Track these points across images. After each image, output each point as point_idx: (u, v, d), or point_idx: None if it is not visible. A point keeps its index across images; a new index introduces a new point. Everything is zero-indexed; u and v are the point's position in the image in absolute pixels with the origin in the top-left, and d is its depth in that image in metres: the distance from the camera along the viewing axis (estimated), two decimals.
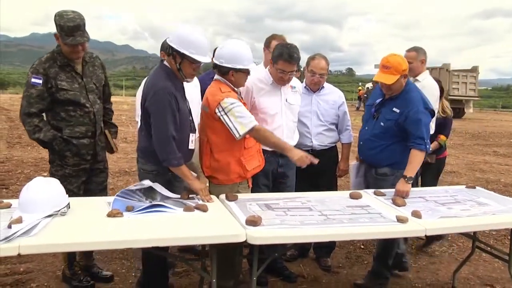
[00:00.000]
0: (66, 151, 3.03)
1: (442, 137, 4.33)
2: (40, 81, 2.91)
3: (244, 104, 2.89)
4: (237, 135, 2.80)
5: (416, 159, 3.11)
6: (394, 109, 3.16)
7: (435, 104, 3.78)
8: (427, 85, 3.86)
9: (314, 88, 3.67)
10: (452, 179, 7.67)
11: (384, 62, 3.15)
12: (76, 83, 3.03)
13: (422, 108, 3.10)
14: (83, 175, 3.13)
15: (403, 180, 3.07)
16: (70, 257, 3.15)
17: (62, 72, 2.99)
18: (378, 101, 3.34)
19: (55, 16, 2.90)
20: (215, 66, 2.92)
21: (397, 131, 3.17)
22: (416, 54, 4.00)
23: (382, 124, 3.24)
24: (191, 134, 2.88)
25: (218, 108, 2.79)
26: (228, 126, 2.80)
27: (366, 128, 3.41)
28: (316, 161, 2.88)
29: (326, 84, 3.74)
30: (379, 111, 3.30)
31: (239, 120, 2.77)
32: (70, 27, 2.84)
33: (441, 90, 4.36)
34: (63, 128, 3.03)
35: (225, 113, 2.78)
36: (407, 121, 3.10)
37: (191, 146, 2.90)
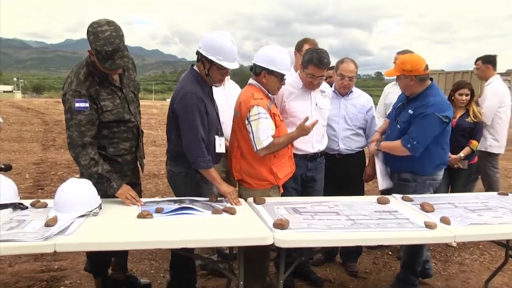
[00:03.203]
0: None
1: (474, 142, 4.25)
2: (87, 105, 2.58)
3: (273, 115, 2.89)
4: (254, 148, 2.83)
5: (394, 146, 3.17)
6: (409, 111, 3.14)
7: None
8: None
9: (343, 91, 3.67)
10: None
11: (396, 58, 3.30)
12: (117, 98, 2.75)
13: (431, 112, 3.01)
14: None
15: (377, 137, 3.37)
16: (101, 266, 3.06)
17: (102, 89, 2.67)
18: (399, 104, 3.33)
19: (88, 34, 2.51)
20: (252, 67, 2.96)
21: None
22: None
23: (399, 127, 3.21)
24: (217, 137, 2.91)
25: (247, 115, 2.82)
26: (249, 136, 2.84)
27: (389, 131, 3.39)
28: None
29: (354, 88, 3.73)
30: (399, 114, 3.28)
31: (258, 135, 2.80)
32: (109, 52, 2.47)
33: (472, 94, 4.28)
34: (107, 146, 2.76)
35: (249, 122, 2.81)
36: (413, 121, 3.08)
37: (218, 149, 2.92)
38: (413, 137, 3.03)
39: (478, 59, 4.80)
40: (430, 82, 3.19)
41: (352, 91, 3.71)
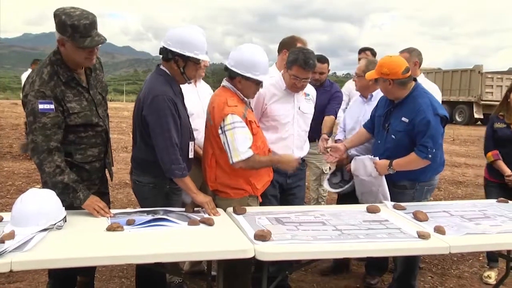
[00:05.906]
0: None
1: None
2: (52, 106, 2.58)
3: (249, 122, 2.91)
4: (230, 161, 2.85)
5: (410, 160, 3.19)
6: (403, 118, 3.22)
7: None
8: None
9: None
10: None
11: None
12: (84, 100, 2.76)
13: (430, 115, 3.12)
14: None
15: (386, 163, 3.23)
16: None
17: (68, 90, 2.68)
18: (386, 110, 3.40)
19: (58, 16, 2.52)
20: (226, 68, 2.99)
21: (409, 143, 3.21)
22: (409, 56, 4.01)
23: (393, 137, 3.28)
24: (190, 143, 2.94)
25: (221, 124, 2.85)
26: (224, 147, 2.86)
27: (379, 141, 3.43)
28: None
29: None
30: (388, 122, 3.35)
31: (236, 146, 2.82)
32: (87, 25, 2.52)
33: None
34: (73, 152, 2.76)
35: (224, 132, 2.84)
36: (414, 130, 3.16)
37: (190, 155, 2.96)
38: (430, 146, 3.11)
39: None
40: (414, 83, 3.28)
41: (371, 95, 3.76)
